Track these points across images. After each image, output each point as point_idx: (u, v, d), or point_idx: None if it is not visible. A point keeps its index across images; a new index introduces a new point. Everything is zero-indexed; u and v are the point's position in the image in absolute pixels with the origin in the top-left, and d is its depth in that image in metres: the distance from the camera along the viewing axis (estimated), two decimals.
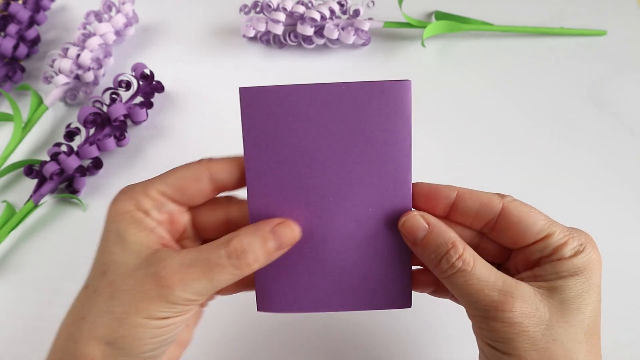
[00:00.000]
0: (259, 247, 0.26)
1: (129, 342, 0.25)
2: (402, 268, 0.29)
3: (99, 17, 0.54)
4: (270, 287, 0.29)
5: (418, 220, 0.28)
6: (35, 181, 0.48)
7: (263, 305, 0.30)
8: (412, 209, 0.29)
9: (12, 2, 0.55)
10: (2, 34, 0.55)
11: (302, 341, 0.40)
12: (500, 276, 0.27)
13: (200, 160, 0.28)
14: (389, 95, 0.27)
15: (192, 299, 0.26)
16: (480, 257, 0.27)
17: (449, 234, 0.27)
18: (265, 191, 0.28)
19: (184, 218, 0.29)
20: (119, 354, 0.25)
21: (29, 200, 0.46)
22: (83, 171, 0.47)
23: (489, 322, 0.26)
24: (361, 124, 0.27)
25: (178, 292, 0.25)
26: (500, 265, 0.30)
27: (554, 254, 0.28)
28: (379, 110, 0.27)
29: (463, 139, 0.49)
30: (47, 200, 0.47)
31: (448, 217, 0.29)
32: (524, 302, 0.26)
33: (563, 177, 0.47)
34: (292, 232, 0.28)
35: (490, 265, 0.27)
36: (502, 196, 0.29)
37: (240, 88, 0.27)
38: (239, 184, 0.28)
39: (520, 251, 0.29)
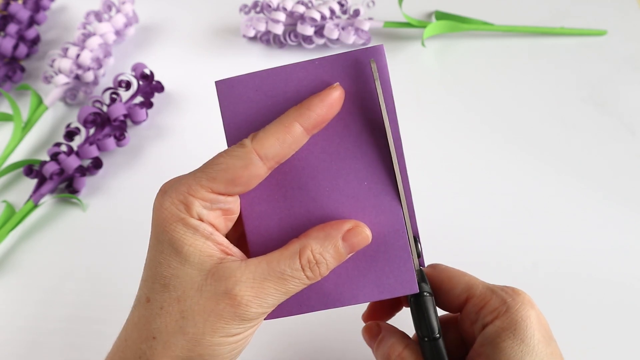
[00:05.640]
0: (331, 256, 0.26)
1: (207, 359, 0.25)
2: (403, 250, 0.27)
3: (99, 17, 0.54)
4: None
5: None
6: (35, 181, 0.48)
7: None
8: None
9: (12, 2, 0.55)
10: (2, 33, 0.55)
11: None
12: None
13: (243, 142, 0.25)
14: (364, 62, 0.26)
15: (266, 311, 0.25)
16: None
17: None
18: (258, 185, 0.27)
19: (236, 205, 0.26)
20: None
21: (28, 200, 0.46)
22: (83, 171, 0.47)
23: None
24: None
25: (254, 309, 0.24)
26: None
27: (478, 319, 0.27)
28: (356, 79, 0.26)
29: (463, 139, 0.49)
30: (47, 200, 0.47)
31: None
32: None
33: (563, 177, 0.47)
34: (364, 237, 0.26)
35: None
36: (433, 267, 0.30)
37: (216, 82, 0.27)
38: (297, 148, 0.26)
39: (465, 331, 0.29)
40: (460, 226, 0.44)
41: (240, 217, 0.28)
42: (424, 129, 0.50)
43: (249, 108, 0.27)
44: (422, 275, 0.28)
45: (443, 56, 0.55)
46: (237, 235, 0.29)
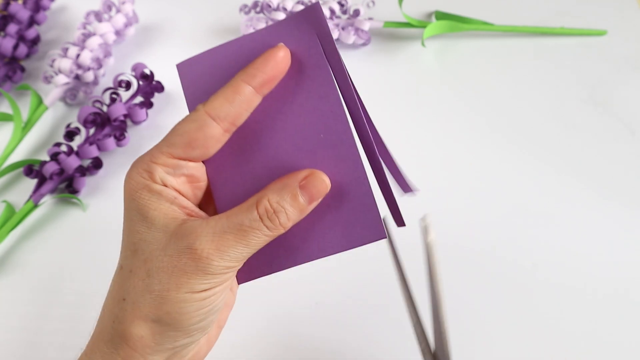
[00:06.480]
0: (289, 205, 0.26)
1: (175, 318, 0.25)
2: (367, 197, 0.27)
3: (99, 17, 0.54)
4: None
5: None
6: (35, 181, 0.48)
7: (241, 275, 0.28)
8: None
9: (12, 2, 0.55)
10: (2, 33, 0.55)
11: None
12: None
13: (197, 107, 0.26)
14: (305, 23, 0.27)
15: (230, 265, 0.25)
16: None
17: None
18: (221, 151, 0.27)
19: (201, 172, 0.27)
20: (167, 329, 0.25)
21: (28, 200, 0.46)
22: (83, 171, 0.47)
23: None
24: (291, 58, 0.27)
25: (216, 262, 0.25)
26: None
27: None
28: (300, 39, 0.27)
29: (463, 139, 0.49)
30: (47, 200, 0.47)
31: None
32: None
33: (563, 177, 0.47)
34: (321, 183, 0.26)
35: None
36: None
37: (177, 64, 0.28)
38: (249, 108, 0.26)
39: None
40: (459, 226, 0.44)
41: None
42: (424, 129, 0.50)
43: (207, 83, 0.28)
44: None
45: (443, 56, 0.55)
46: (213, 206, 0.29)
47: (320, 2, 0.54)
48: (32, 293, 0.43)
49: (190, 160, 0.26)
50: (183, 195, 0.27)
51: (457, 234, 0.44)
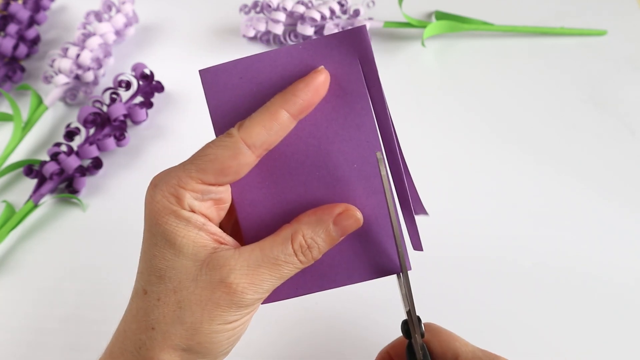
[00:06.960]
0: (323, 240, 0.26)
1: (206, 347, 0.25)
2: (386, 232, 0.27)
3: (99, 17, 0.54)
4: None
5: None
6: (35, 181, 0.48)
7: (266, 297, 0.28)
8: None
9: (12, 2, 0.55)
10: (2, 33, 0.55)
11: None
12: None
13: (230, 132, 0.25)
14: (348, 45, 0.26)
15: (261, 297, 0.26)
16: None
17: None
18: (248, 173, 0.27)
19: (227, 194, 0.27)
20: (197, 356, 0.25)
21: (28, 200, 0.46)
22: (83, 171, 0.47)
23: None
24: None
25: (250, 295, 0.25)
26: None
27: None
28: (341, 62, 0.26)
29: (463, 139, 0.49)
30: (47, 200, 0.47)
31: None
32: None
33: (563, 177, 0.47)
34: (355, 220, 0.26)
35: None
36: (427, 328, 0.30)
37: (200, 71, 0.27)
38: (284, 135, 0.26)
39: None
40: (459, 226, 0.44)
41: (233, 205, 0.28)
42: (424, 129, 0.50)
43: (234, 96, 0.27)
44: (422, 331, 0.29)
45: (443, 56, 0.55)
46: (231, 223, 0.29)
47: (320, 2, 0.54)
48: (32, 293, 0.43)
49: (219, 185, 0.26)
50: (209, 219, 0.26)
51: (457, 233, 0.44)
